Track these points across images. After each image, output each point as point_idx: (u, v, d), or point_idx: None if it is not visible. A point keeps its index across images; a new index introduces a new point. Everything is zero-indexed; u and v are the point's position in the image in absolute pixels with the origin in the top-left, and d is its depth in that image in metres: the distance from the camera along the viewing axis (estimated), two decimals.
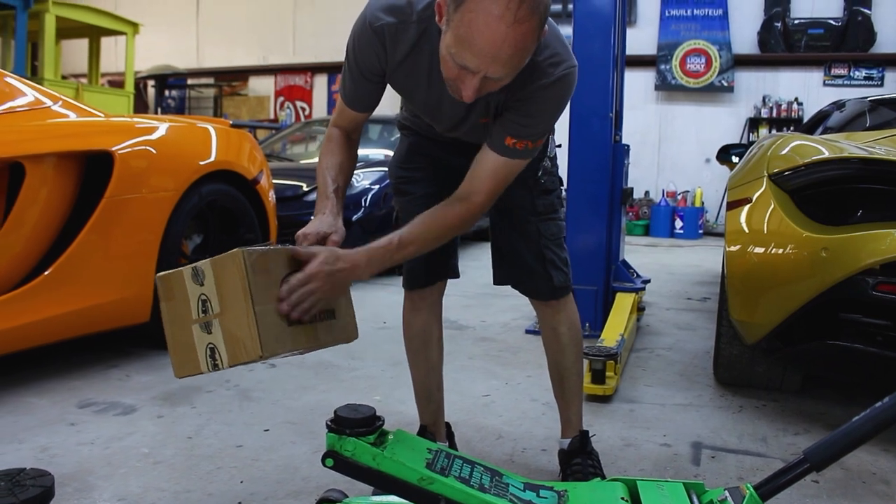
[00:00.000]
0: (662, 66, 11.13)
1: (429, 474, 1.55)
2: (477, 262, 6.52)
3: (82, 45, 11.18)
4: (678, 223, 10.65)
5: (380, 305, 4.56)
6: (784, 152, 2.74)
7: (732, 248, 2.73)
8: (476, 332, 4.01)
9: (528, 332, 3.99)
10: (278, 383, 3.01)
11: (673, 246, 9.47)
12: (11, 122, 2.92)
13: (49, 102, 3.17)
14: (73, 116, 3.20)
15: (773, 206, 2.58)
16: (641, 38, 10.81)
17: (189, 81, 14.44)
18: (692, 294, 5.52)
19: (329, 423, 1.62)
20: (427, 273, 2.03)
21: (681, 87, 11.10)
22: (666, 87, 11.19)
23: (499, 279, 2.09)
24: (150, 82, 14.19)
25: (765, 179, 2.67)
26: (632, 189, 4.30)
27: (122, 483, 2.07)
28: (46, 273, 2.82)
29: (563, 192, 2.14)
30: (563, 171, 3.80)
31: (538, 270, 1.99)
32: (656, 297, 5.24)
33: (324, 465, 1.61)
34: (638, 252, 8.18)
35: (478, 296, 5.01)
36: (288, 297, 1.48)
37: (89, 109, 3.35)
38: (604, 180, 3.96)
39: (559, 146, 2.17)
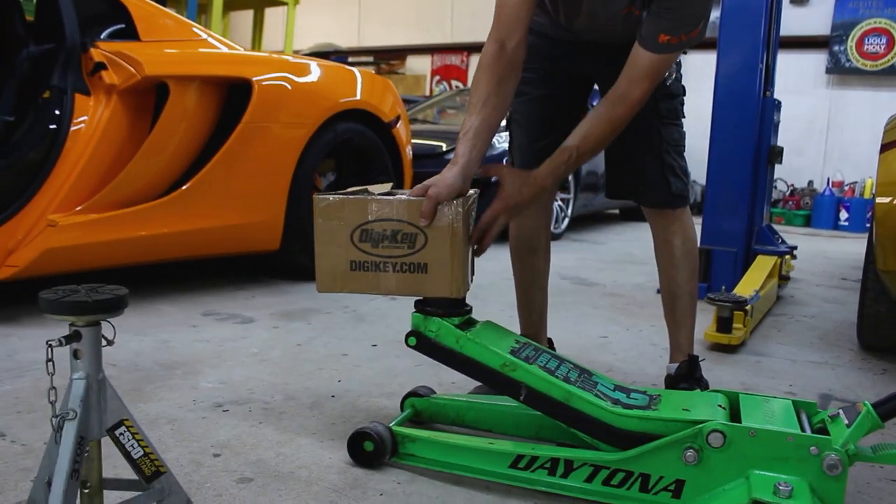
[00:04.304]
0: (836, 48, 10.38)
1: (512, 360, 1.50)
2: (619, 236, 6.41)
3: (246, 24, 11.71)
4: (843, 214, 9.92)
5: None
6: None
7: (883, 191, 2.48)
8: (605, 289, 3.88)
9: (659, 292, 3.81)
10: (395, 311, 3.02)
11: (834, 237, 8.84)
12: (163, 47, 3.08)
13: (203, 35, 3.33)
14: (222, 49, 3.35)
15: None
16: (812, 16, 10.13)
17: (350, 59, 14.87)
18: (847, 276, 5.11)
19: (416, 303, 1.60)
20: None
21: (856, 70, 10.30)
22: (839, 70, 10.41)
23: (613, 190, 2.00)
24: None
25: None
26: (781, 148, 3.99)
27: (227, 372, 2.14)
28: (185, 187, 2.97)
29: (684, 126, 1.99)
30: (706, 125, 3.64)
31: (656, 176, 1.88)
32: (807, 274, 4.90)
33: (406, 344, 1.59)
34: (795, 240, 7.64)
35: (614, 262, 4.87)
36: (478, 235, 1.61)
37: (236, 46, 3.49)
38: (750, 136, 3.70)
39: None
